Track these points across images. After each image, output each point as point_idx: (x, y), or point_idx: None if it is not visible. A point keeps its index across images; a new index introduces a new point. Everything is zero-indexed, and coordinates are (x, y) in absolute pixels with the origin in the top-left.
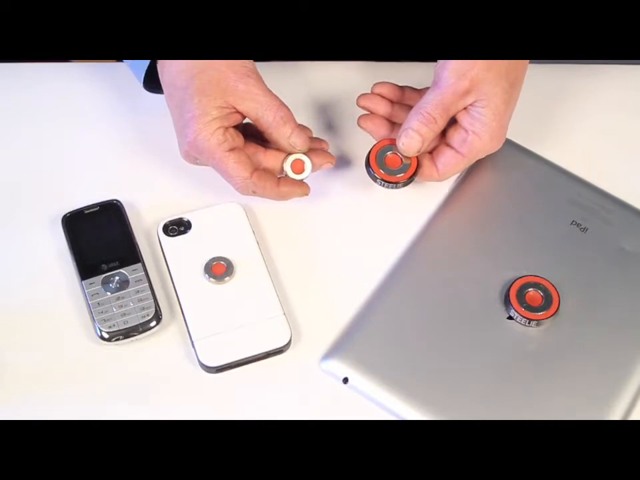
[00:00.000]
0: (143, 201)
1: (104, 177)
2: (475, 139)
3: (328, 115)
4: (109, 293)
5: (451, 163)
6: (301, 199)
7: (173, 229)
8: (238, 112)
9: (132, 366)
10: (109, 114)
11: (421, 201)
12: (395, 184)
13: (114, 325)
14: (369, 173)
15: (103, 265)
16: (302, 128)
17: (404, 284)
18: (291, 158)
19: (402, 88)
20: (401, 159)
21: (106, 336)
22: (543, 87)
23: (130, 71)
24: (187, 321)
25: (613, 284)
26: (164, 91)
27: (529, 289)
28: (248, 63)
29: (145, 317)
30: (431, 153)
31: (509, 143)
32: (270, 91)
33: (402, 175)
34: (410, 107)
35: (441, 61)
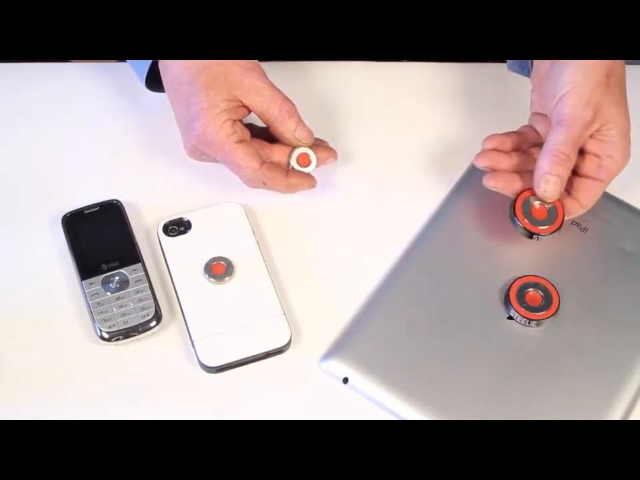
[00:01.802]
0: (143, 201)
1: (104, 177)
2: (611, 162)
3: (328, 116)
4: (108, 293)
5: (593, 192)
6: (300, 199)
7: (173, 229)
8: (244, 106)
9: (132, 366)
10: (109, 114)
11: (420, 201)
12: (548, 235)
13: (114, 325)
14: (515, 225)
15: (103, 265)
16: (307, 126)
17: (404, 284)
18: (297, 152)
19: (509, 134)
20: (546, 208)
21: (106, 336)
22: None
23: (131, 70)
24: (187, 321)
25: (613, 284)
26: (167, 87)
27: (529, 289)
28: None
29: (145, 317)
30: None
31: None
32: (274, 86)
33: (549, 225)
34: (525, 152)
35: (549, 96)
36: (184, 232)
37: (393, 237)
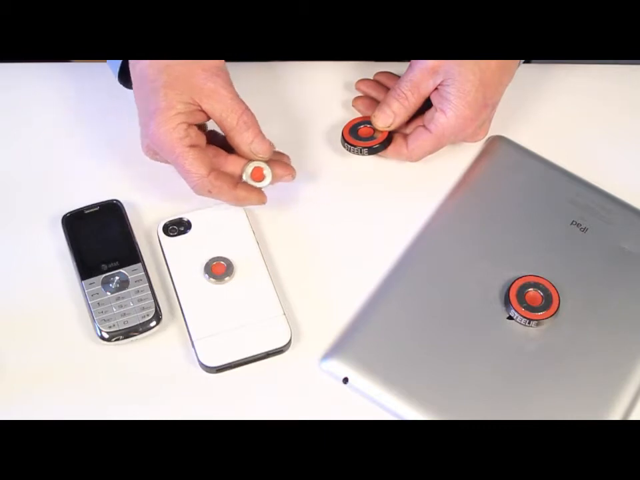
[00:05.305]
0: (143, 201)
1: (104, 177)
2: (441, 116)
3: (329, 114)
4: (108, 293)
5: (419, 139)
6: (300, 199)
7: (173, 228)
8: (203, 111)
9: (132, 366)
10: (109, 114)
11: (420, 201)
12: (359, 149)
13: (114, 325)
14: (341, 141)
15: (103, 265)
16: (265, 137)
17: (404, 284)
18: (252, 165)
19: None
20: (374, 131)
21: (106, 336)
22: (543, 87)
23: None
24: (187, 321)
25: (613, 284)
26: (133, 83)
27: (529, 289)
28: (219, 62)
29: (145, 317)
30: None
31: (508, 143)
32: (237, 95)
33: (368, 142)
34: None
35: None
36: (184, 232)
37: (392, 237)
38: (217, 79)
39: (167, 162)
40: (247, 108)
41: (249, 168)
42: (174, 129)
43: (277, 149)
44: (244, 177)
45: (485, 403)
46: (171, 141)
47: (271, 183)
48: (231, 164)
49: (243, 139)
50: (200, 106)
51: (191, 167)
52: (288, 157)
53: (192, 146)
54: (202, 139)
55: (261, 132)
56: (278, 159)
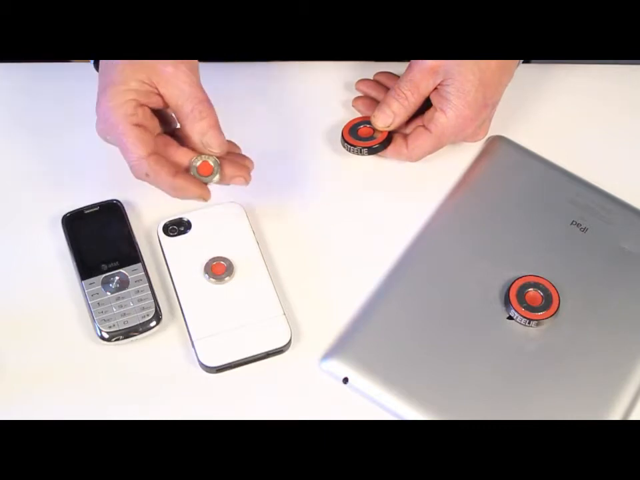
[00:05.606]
0: (143, 201)
1: (104, 177)
2: (441, 116)
3: (329, 113)
4: (108, 293)
5: (419, 139)
6: (300, 199)
7: (173, 228)
8: (159, 94)
9: (132, 366)
10: None
11: (420, 201)
12: (359, 149)
13: (114, 325)
14: (341, 141)
15: (103, 265)
16: (221, 131)
17: (404, 284)
18: (201, 158)
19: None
20: (373, 131)
21: (106, 336)
22: (543, 87)
23: None
24: (187, 321)
25: (613, 284)
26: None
27: (529, 289)
28: None
29: (145, 317)
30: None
31: (509, 143)
32: (198, 83)
33: (367, 142)
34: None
35: None
36: (184, 232)
37: (392, 237)
38: (180, 64)
39: (114, 143)
40: (206, 98)
41: (198, 161)
42: (122, 105)
43: (243, 153)
44: (192, 171)
45: (485, 402)
46: (116, 117)
47: (221, 182)
48: (180, 154)
49: (195, 128)
50: (157, 89)
51: (131, 145)
52: (251, 161)
53: (137, 125)
54: (152, 122)
55: (217, 125)
56: (235, 160)
